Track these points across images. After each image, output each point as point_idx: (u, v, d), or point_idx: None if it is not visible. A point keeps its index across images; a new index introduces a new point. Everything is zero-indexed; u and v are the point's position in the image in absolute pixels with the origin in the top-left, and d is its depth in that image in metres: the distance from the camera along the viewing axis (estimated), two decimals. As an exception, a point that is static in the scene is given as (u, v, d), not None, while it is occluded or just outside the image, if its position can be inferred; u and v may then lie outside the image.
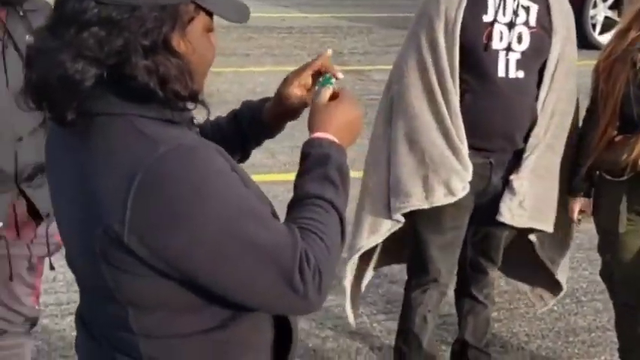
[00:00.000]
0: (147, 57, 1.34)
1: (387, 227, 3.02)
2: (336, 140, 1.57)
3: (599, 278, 3.42)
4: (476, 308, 3.31)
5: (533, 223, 3.06)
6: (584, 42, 9.34)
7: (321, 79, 1.71)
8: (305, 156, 1.56)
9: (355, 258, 3.10)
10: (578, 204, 3.14)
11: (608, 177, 3.00)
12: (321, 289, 1.42)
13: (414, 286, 3.19)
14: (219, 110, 6.86)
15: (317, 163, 1.54)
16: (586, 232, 3.46)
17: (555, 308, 4.04)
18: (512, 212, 3.00)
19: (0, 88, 2.45)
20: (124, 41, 1.33)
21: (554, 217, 3.12)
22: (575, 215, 3.15)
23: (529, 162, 2.98)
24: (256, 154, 6.41)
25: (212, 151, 1.39)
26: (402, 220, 3.00)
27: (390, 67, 3.13)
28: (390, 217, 3.01)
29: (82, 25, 1.32)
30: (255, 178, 5.37)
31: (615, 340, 3.38)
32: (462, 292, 3.36)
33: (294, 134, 6.31)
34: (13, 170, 2.52)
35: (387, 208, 3.02)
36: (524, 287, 3.56)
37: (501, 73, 2.91)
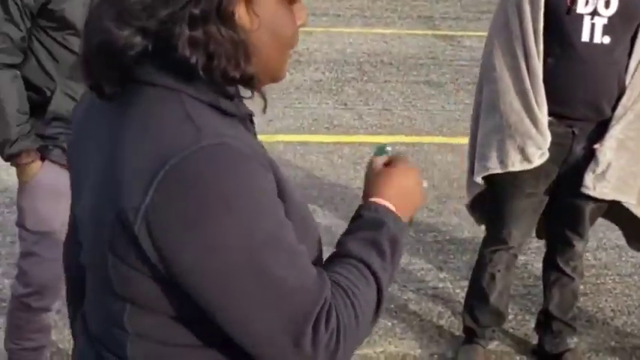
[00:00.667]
0: (195, 27, 1.15)
1: (474, 189, 3.12)
2: (393, 209, 1.37)
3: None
4: (562, 280, 3.28)
5: (617, 195, 2.99)
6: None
7: (375, 148, 1.53)
8: (357, 217, 1.36)
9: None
10: None
11: None
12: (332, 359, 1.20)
13: (486, 245, 3.23)
14: (308, 69, 6.95)
15: (369, 226, 1.33)
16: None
17: (643, 285, 3.98)
18: (595, 184, 2.95)
19: None
20: (172, 8, 1.15)
21: (638, 189, 3.05)
22: None
23: (614, 132, 2.92)
24: (344, 116, 6.48)
25: (260, 164, 1.18)
26: (482, 183, 3.04)
27: (480, 33, 3.10)
28: (473, 181, 3.08)
29: None
30: (343, 139, 5.49)
31: None
32: (549, 263, 3.32)
33: (382, 96, 6.35)
34: None
35: (471, 172, 3.11)
36: (613, 259, 3.49)
37: (585, 37, 2.85)
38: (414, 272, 3.99)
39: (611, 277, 4.05)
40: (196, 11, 1.14)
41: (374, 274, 1.29)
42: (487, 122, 3.00)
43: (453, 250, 4.18)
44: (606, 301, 3.87)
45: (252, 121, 1.34)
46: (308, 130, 5.68)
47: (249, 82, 1.22)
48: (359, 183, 4.78)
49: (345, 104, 6.21)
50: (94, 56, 1.20)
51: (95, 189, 1.23)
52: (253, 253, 1.14)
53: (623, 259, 4.22)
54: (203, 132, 1.15)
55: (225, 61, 1.16)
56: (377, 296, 1.30)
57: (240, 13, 1.19)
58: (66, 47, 2.54)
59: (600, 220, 4.57)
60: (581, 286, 3.93)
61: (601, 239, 4.37)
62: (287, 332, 1.17)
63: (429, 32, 8.21)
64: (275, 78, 1.30)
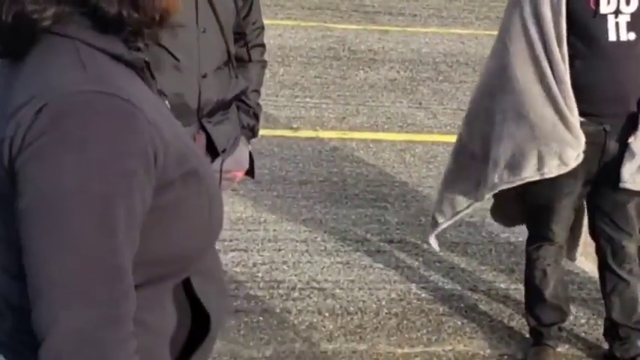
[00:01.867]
0: None
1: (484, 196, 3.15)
2: None
3: None
4: (619, 286, 3.22)
5: None
6: None
7: None
8: None
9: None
10: None
11: None
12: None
13: (531, 243, 3.26)
14: (383, 68, 6.94)
15: None
16: None
17: None
18: (634, 176, 2.94)
19: (190, 25, 2.56)
20: None
21: None
22: None
23: None
24: (418, 114, 6.45)
25: (139, 124, 1.18)
26: (497, 189, 3.09)
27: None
28: (488, 189, 3.10)
29: None
30: (416, 137, 5.47)
31: None
32: (603, 266, 3.27)
33: (457, 96, 6.32)
34: (196, 105, 2.64)
35: (487, 179, 3.09)
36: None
37: (612, 37, 2.87)
38: (486, 273, 3.97)
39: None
40: None
41: None
42: (516, 133, 2.99)
43: (520, 252, 4.13)
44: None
45: (151, 74, 1.35)
46: (381, 129, 5.69)
47: (165, 19, 1.27)
48: (431, 182, 4.78)
49: (420, 103, 6.19)
50: (9, 27, 1.21)
51: None
52: (80, 203, 1.13)
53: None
54: (89, 78, 1.18)
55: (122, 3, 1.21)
56: None
57: None
58: None
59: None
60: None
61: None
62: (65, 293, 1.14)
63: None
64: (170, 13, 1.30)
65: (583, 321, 3.61)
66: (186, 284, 1.35)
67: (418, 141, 5.49)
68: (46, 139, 1.15)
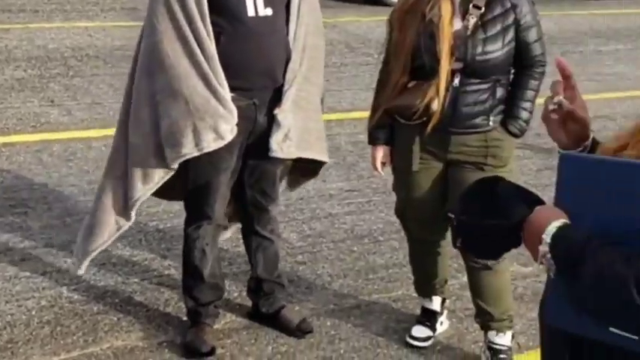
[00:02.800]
0: None
1: (159, 176, 3.11)
2: None
3: (394, 219, 3.62)
4: (263, 244, 3.45)
5: (301, 152, 3.23)
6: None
7: None
8: None
9: (135, 208, 3.16)
10: (380, 152, 3.29)
11: (403, 121, 3.16)
12: None
13: (190, 223, 3.32)
14: (8, 68, 6.57)
15: None
16: (382, 177, 3.63)
17: (355, 249, 4.23)
18: (281, 145, 3.15)
19: None
20: None
21: (322, 145, 3.32)
22: (379, 163, 3.30)
23: (289, 94, 3.14)
24: (52, 112, 6.19)
25: None
26: (176, 167, 3.10)
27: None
28: (162, 167, 3.09)
29: None
30: (52, 136, 5.25)
31: (410, 275, 3.59)
32: (249, 231, 3.47)
33: (91, 90, 6.18)
34: None
35: (158, 158, 3.09)
36: (326, 227, 3.68)
37: (251, 12, 3.06)
38: (138, 264, 3.95)
39: (327, 245, 4.27)
40: None
41: None
42: (172, 109, 3.04)
43: (175, 237, 4.18)
44: (323, 267, 4.08)
45: None
46: (13, 131, 5.39)
47: None
48: (72, 180, 4.64)
49: (52, 101, 5.97)
50: None
51: None
52: None
53: (336, 226, 4.47)
54: None
55: None
56: None
57: None
58: None
59: (313, 192, 4.82)
60: (300, 256, 4.16)
61: (314, 209, 4.61)
62: None
63: (134, 23, 8.11)
64: None
65: (235, 294, 3.74)
66: None
67: (54, 140, 5.28)
68: None
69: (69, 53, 7.12)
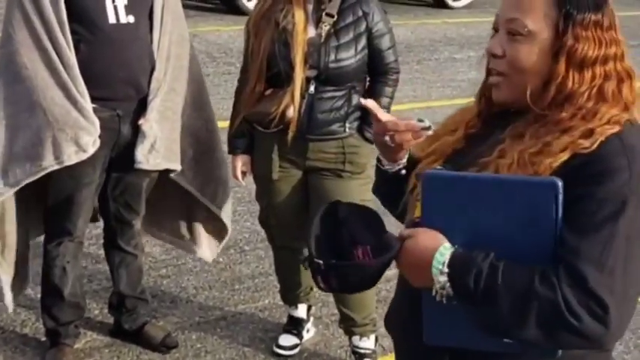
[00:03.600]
0: None
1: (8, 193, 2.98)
2: None
3: (260, 228, 3.61)
4: (126, 259, 3.38)
5: (168, 163, 3.18)
6: (234, 7, 9.66)
7: None
8: None
9: None
10: (240, 161, 3.27)
11: (261, 129, 3.16)
12: None
13: (51, 240, 3.20)
14: None
15: None
16: (245, 186, 3.62)
17: (221, 260, 4.19)
18: (147, 156, 3.09)
19: None
20: None
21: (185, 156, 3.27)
22: (239, 172, 3.28)
23: (154, 104, 3.09)
24: None
25: None
26: (21, 185, 2.96)
27: None
28: (10, 185, 2.95)
29: None
30: None
31: (277, 283, 3.60)
32: (111, 246, 3.39)
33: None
34: None
35: (5, 175, 2.95)
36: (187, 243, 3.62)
37: (112, 19, 2.99)
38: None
39: (191, 257, 4.19)
40: None
41: None
42: (31, 121, 2.93)
43: (32, 255, 4.00)
44: (188, 279, 4.03)
45: None
46: None
47: None
48: None
49: None
50: None
51: None
52: None
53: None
54: None
55: None
56: None
57: None
58: None
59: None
60: (163, 269, 4.09)
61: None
62: None
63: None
64: None
65: (97, 312, 3.63)
66: None
67: None
68: None
69: None
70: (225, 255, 4.25)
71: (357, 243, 1.59)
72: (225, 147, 3.39)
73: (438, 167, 1.66)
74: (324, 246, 1.60)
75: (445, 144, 1.70)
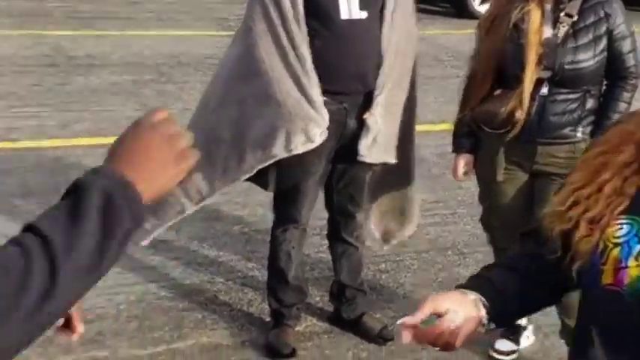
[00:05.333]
0: None
1: (236, 177, 3.16)
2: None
3: (479, 232, 3.59)
4: (348, 250, 3.47)
5: (386, 157, 3.25)
6: (465, 11, 9.62)
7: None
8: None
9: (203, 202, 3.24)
10: (462, 160, 3.28)
11: (487, 129, 3.14)
12: None
13: (277, 226, 3.36)
14: (104, 72, 6.76)
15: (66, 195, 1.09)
16: (467, 188, 3.61)
17: (439, 260, 4.21)
18: (370, 149, 3.16)
19: None
20: None
21: (401, 149, 3.33)
22: (460, 171, 3.29)
23: (380, 99, 3.14)
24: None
25: None
26: (254, 171, 3.12)
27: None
28: (243, 169, 3.12)
29: None
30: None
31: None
32: (334, 237, 3.49)
33: (182, 96, 6.30)
34: None
35: (239, 159, 3.12)
36: (402, 237, 3.69)
37: (345, 15, 3.05)
38: (223, 265, 4.02)
39: (409, 254, 4.26)
40: None
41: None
42: (265, 112, 3.08)
43: (260, 240, 4.24)
44: (406, 277, 4.07)
45: None
46: (109, 133, 5.55)
47: None
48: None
49: (145, 105, 6.13)
50: None
51: None
52: None
53: (419, 236, 4.45)
54: None
55: None
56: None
57: None
58: None
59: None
60: (382, 264, 4.15)
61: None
62: None
63: (224, 33, 8.29)
64: None
65: (317, 299, 3.77)
66: None
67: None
68: None
69: (162, 60, 7.31)
70: (443, 256, 4.27)
71: None
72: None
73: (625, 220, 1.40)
74: None
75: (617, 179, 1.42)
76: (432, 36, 8.52)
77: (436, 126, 6.02)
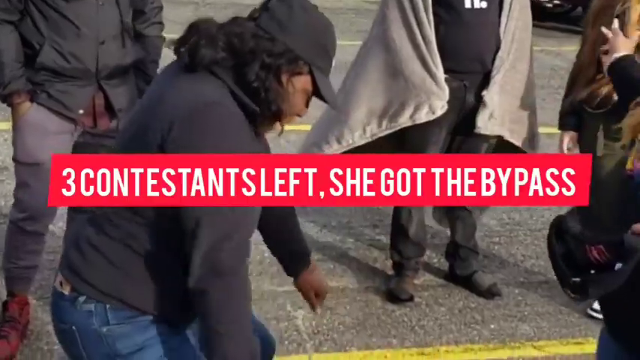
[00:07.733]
0: (262, 68, 1.92)
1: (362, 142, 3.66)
2: None
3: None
4: (462, 215, 3.94)
5: (502, 130, 3.69)
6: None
7: None
8: None
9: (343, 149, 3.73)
10: (567, 136, 3.69)
11: (589, 109, 3.55)
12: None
13: None
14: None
15: None
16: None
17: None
18: (487, 123, 3.64)
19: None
20: (254, 48, 1.94)
21: (523, 130, 3.78)
22: (565, 146, 3.69)
23: (497, 79, 3.63)
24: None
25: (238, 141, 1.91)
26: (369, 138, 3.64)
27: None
28: (366, 138, 3.65)
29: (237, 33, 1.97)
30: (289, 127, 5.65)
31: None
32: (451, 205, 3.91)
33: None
34: (94, 68, 3.05)
35: (364, 124, 3.65)
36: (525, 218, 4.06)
37: (467, 4, 3.57)
38: (354, 228, 4.54)
39: (523, 232, 4.66)
40: (268, 60, 1.93)
41: None
42: (393, 85, 3.61)
43: (384, 212, 4.72)
44: (517, 249, 4.48)
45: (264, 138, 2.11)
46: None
47: (277, 117, 2.00)
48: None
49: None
50: (200, 46, 1.93)
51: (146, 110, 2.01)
52: None
53: (534, 218, 4.84)
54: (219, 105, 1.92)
55: (270, 97, 1.95)
56: None
57: (286, 79, 1.97)
58: (55, 9, 2.99)
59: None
60: (496, 238, 4.56)
61: (515, 203, 4.98)
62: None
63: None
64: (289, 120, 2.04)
65: (435, 260, 4.23)
66: None
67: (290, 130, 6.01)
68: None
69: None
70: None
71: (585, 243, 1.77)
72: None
73: None
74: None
75: None
76: (566, 52, 8.77)
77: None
